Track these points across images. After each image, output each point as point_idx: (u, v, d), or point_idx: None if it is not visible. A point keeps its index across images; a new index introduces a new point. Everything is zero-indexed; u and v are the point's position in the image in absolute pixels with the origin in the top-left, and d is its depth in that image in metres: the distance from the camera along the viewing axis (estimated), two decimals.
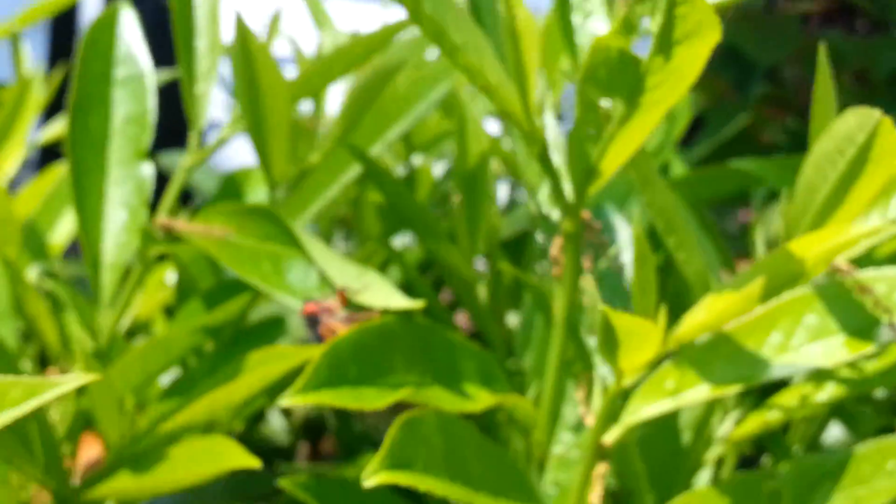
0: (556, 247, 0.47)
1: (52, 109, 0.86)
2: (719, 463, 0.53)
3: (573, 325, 0.48)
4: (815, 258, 0.40)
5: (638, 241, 0.40)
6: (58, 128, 0.78)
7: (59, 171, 0.77)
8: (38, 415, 0.47)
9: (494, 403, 0.45)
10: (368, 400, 0.40)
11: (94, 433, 0.61)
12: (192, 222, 0.49)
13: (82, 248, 0.53)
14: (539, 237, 0.52)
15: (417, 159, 0.87)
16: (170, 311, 0.77)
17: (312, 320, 0.43)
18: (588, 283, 0.47)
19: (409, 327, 0.43)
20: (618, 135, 0.40)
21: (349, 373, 0.40)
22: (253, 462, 0.42)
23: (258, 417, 0.92)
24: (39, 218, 0.73)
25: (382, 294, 0.44)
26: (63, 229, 0.73)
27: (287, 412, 0.98)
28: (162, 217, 0.51)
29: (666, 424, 0.54)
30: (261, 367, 0.43)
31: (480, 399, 0.45)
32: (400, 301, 0.43)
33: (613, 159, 0.42)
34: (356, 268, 0.45)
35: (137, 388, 0.49)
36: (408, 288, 0.81)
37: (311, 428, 0.99)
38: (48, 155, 1.15)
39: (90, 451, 0.58)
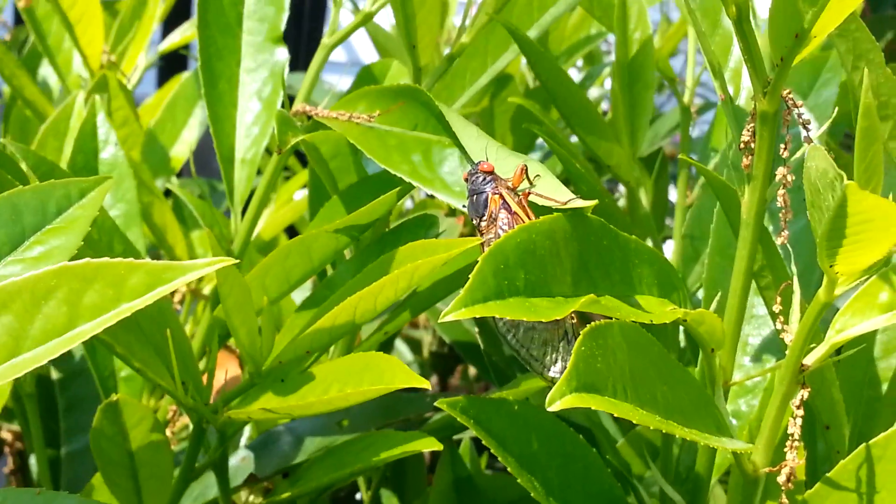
0: (747, 132, 0.40)
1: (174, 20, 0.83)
2: None
3: (764, 227, 0.42)
4: None
5: (866, 110, 0.33)
6: (180, 35, 0.74)
7: (181, 81, 0.73)
8: (173, 323, 0.43)
9: (677, 317, 0.39)
10: (542, 311, 0.34)
11: (231, 351, 0.57)
12: (333, 108, 0.44)
13: (214, 142, 0.48)
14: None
15: None
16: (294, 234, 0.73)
17: (479, 188, 0.37)
18: (785, 175, 0.40)
19: (581, 226, 0.37)
20: None
21: (518, 280, 0.34)
22: (420, 382, 0.36)
23: (384, 347, 0.88)
24: (161, 129, 0.70)
25: (551, 189, 0.38)
26: (186, 140, 0.70)
27: (415, 343, 0.93)
28: (299, 104, 0.46)
29: (862, 349, 0.47)
30: (408, 263, 0.38)
31: (660, 312, 0.39)
32: (569, 199, 0.37)
33: (832, 17, 0.35)
34: (521, 158, 0.39)
35: (276, 297, 0.45)
36: None
37: (440, 360, 0.94)
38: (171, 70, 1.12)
39: (228, 369, 0.54)
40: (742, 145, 0.41)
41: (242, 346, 0.40)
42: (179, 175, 0.72)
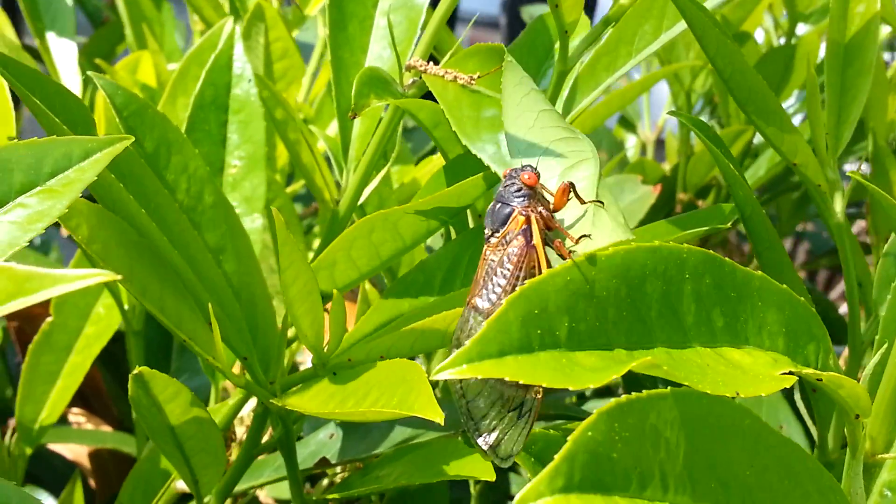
0: None
1: None
2: None
3: None
4: None
5: None
6: None
7: None
8: (256, 287, 0.40)
9: (794, 382, 0.31)
10: (580, 376, 0.26)
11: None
12: (445, 66, 0.38)
13: (334, 90, 0.44)
14: None
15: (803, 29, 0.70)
16: None
17: (507, 199, 0.30)
18: None
19: (671, 261, 0.29)
20: None
21: (559, 329, 0.27)
22: (434, 415, 0.31)
23: None
24: None
25: (577, 215, 0.31)
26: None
27: None
28: (414, 57, 0.40)
29: None
30: None
31: (766, 377, 0.30)
32: (581, 237, 0.30)
33: None
34: (574, 161, 0.32)
35: (367, 272, 0.40)
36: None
37: None
38: None
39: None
40: None
41: (306, 339, 0.36)
42: None
